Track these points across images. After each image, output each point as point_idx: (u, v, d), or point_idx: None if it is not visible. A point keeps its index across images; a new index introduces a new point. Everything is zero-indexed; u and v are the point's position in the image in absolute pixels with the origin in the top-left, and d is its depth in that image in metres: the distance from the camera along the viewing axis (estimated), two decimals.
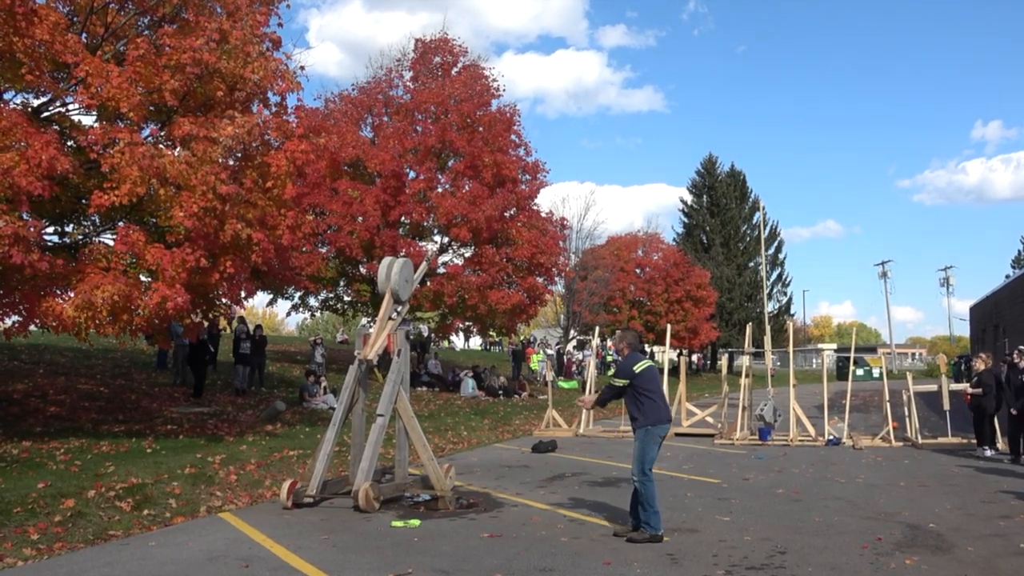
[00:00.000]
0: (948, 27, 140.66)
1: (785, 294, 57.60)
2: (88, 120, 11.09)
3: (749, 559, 5.97)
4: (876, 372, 40.66)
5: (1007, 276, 41.56)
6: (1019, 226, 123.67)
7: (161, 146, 10.38)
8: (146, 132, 10.94)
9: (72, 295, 9.38)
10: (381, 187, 21.60)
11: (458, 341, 48.26)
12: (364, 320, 25.84)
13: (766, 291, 27.51)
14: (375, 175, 22.27)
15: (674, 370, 22.11)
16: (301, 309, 25.32)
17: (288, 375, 21.33)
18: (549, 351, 33.79)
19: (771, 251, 56.00)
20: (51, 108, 10.78)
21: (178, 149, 10.19)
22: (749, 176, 59.87)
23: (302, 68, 12.19)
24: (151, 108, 10.53)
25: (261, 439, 11.80)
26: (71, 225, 11.81)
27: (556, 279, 28.09)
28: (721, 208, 54.94)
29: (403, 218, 22.31)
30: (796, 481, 9.94)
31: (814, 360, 61.28)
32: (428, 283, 22.11)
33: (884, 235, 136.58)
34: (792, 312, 59.84)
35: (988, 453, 12.51)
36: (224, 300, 12.06)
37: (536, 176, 24.90)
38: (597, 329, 21.66)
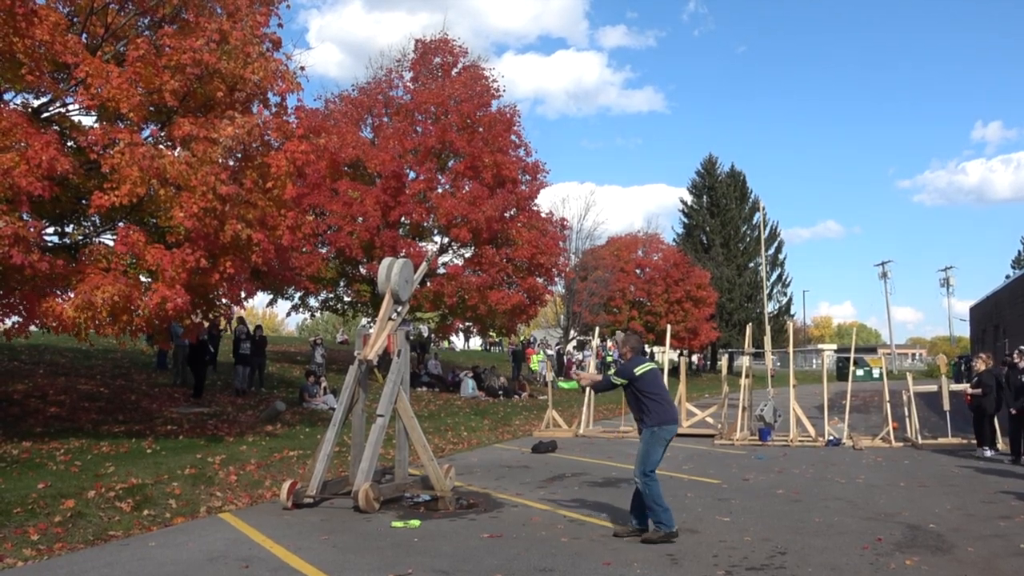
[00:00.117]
0: (947, 27, 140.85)
1: (785, 294, 57.70)
2: (88, 120, 11.10)
3: (749, 559, 5.97)
4: (876, 372, 40.66)
5: (1007, 276, 41.59)
6: (1019, 226, 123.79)
7: (161, 146, 10.38)
8: (146, 132, 10.95)
9: (72, 295, 9.38)
10: (381, 187, 21.61)
11: (458, 341, 48.27)
12: (364, 320, 25.84)
13: (766, 291, 27.50)
14: (375, 175, 22.28)
15: (674, 370, 22.10)
16: (301, 309, 25.34)
17: (288, 375, 21.33)
18: (549, 351, 33.80)
19: (771, 251, 56.03)
20: (51, 108, 10.79)
21: (178, 150, 10.19)
22: (749, 176, 59.98)
23: (302, 69, 12.20)
24: (151, 108, 10.53)
25: (261, 439, 11.80)
26: (71, 225, 11.81)
27: (556, 279, 28.11)
28: (721, 208, 54.96)
29: (403, 218, 22.32)
30: (796, 481, 9.94)
31: (814, 360, 61.26)
32: (428, 283, 22.12)
33: (884, 235, 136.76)
34: (792, 312, 59.92)
35: (988, 453, 12.51)
36: (224, 300, 12.06)
37: (536, 176, 24.92)
38: (597, 329, 21.65)
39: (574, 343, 39.68)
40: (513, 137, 24.32)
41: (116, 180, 9.33)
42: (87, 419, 11.77)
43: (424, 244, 23.57)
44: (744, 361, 15.64)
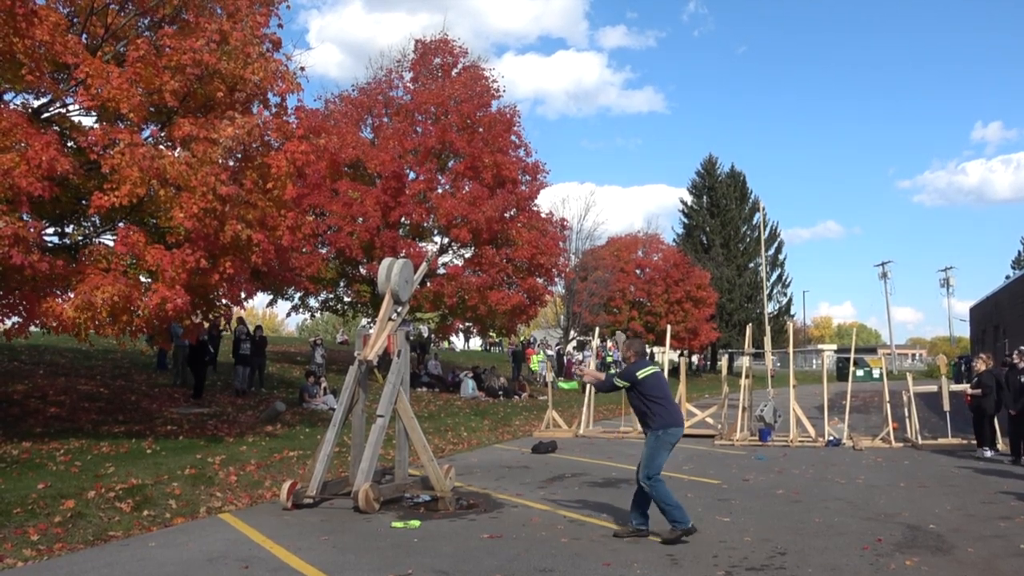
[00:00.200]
0: (947, 27, 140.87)
1: (785, 295, 57.69)
2: (88, 121, 11.11)
3: (749, 560, 5.97)
4: (876, 373, 40.64)
5: (1007, 277, 41.62)
6: (1019, 227, 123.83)
7: (161, 147, 10.38)
8: (146, 133, 10.96)
9: (72, 296, 9.38)
10: (381, 188, 21.61)
11: (458, 342, 48.23)
12: (364, 321, 25.84)
13: (766, 292, 27.50)
14: (375, 176, 22.28)
15: (674, 371, 22.12)
16: (301, 310, 25.34)
17: (288, 376, 21.33)
18: (549, 352, 33.79)
19: (771, 252, 56.03)
20: (51, 109, 10.79)
21: (178, 150, 10.19)
22: (749, 177, 59.98)
23: (302, 69, 12.20)
24: (151, 109, 10.54)
25: (261, 440, 11.80)
26: (71, 226, 11.81)
27: (556, 280, 28.12)
28: (721, 209, 54.97)
29: (403, 219, 22.33)
30: (796, 482, 9.94)
31: (814, 361, 61.24)
32: (428, 284, 22.12)
33: (884, 236, 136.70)
34: (792, 313, 59.92)
35: (988, 454, 12.51)
36: (224, 301, 12.06)
37: (536, 177, 24.92)
38: (597, 330, 21.65)
39: (574, 343, 39.67)
40: (513, 137, 24.33)
41: (116, 180, 9.33)
42: (87, 419, 11.77)
43: (424, 244, 23.57)
44: (744, 361, 15.64)
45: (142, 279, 10.36)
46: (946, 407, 14.36)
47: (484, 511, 7.82)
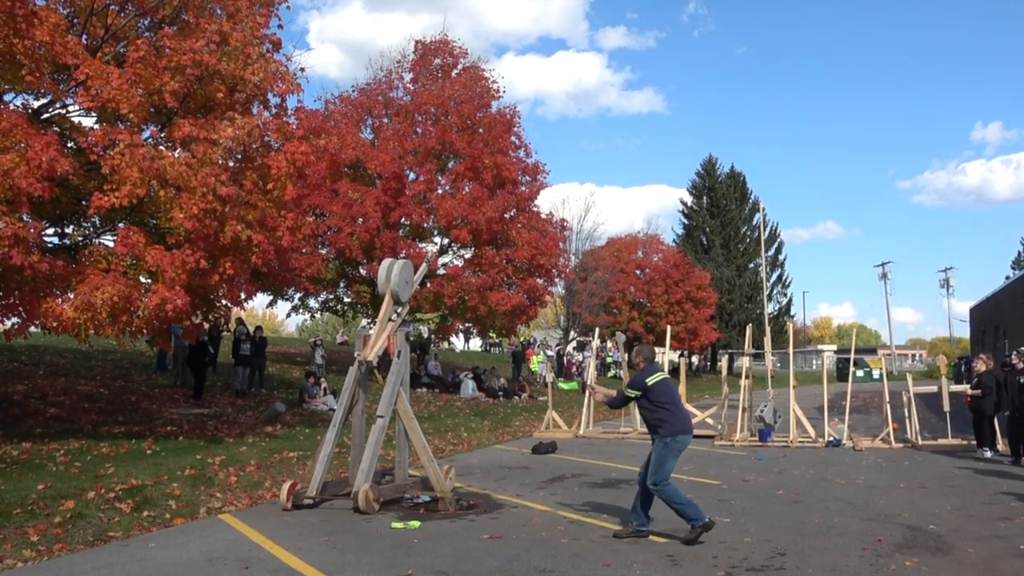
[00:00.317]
0: (947, 28, 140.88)
1: (785, 295, 57.66)
2: (88, 122, 11.11)
3: (749, 560, 5.97)
4: (876, 373, 40.61)
5: (1007, 277, 41.58)
6: (1019, 227, 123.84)
7: (161, 148, 10.38)
8: (146, 134, 10.96)
9: (72, 296, 9.38)
10: (381, 188, 21.61)
11: (458, 342, 48.22)
12: (364, 321, 25.84)
13: (766, 292, 27.52)
14: (375, 176, 22.28)
15: (674, 371, 22.10)
16: (301, 310, 25.32)
17: (288, 376, 21.33)
18: (549, 352, 33.78)
19: (771, 252, 56.03)
20: (51, 109, 10.79)
21: (178, 151, 10.19)
22: (749, 177, 59.94)
23: (302, 70, 12.21)
24: (151, 110, 10.54)
25: (261, 440, 11.80)
26: (71, 226, 11.81)
27: (556, 280, 28.10)
28: (721, 209, 54.96)
29: (403, 219, 22.32)
30: (796, 482, 9.94)
31: (814, 361, 61.22)
32: (428, 284, 22.12)
33: (884, 236, 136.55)
34: (792, 313, 59.92)
35: (988, 455, 12.51)
36: (224, 302, 12.06)
37: (536, 177, 24.92)
38: (597, 330, 21.64)
39: (574, 344, 39.68)
40: (513, 138, 24.33)
41: (116, 181, 9.33)
42: (87, 420, 11.77)
43: (424, 245, 23.56)
44: (744, 362, 15.63)
45: (142, 280, 10.36)
46: (946, 408, 14.36)
47: (484, 512, 7.83)
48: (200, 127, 9.92)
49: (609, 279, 38.27)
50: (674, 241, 53.93)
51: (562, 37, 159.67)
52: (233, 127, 10.01)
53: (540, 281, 24.76)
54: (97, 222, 11.46)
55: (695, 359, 48.16)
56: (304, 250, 19.97)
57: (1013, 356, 12.44)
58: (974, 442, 13.15)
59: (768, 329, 19.54)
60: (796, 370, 16.86)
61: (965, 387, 13.87)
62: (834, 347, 44.20)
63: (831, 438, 14.17)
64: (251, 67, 10.49)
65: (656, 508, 6.85)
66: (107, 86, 9.35)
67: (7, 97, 10.44)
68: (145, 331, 10.49)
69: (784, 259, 59.15)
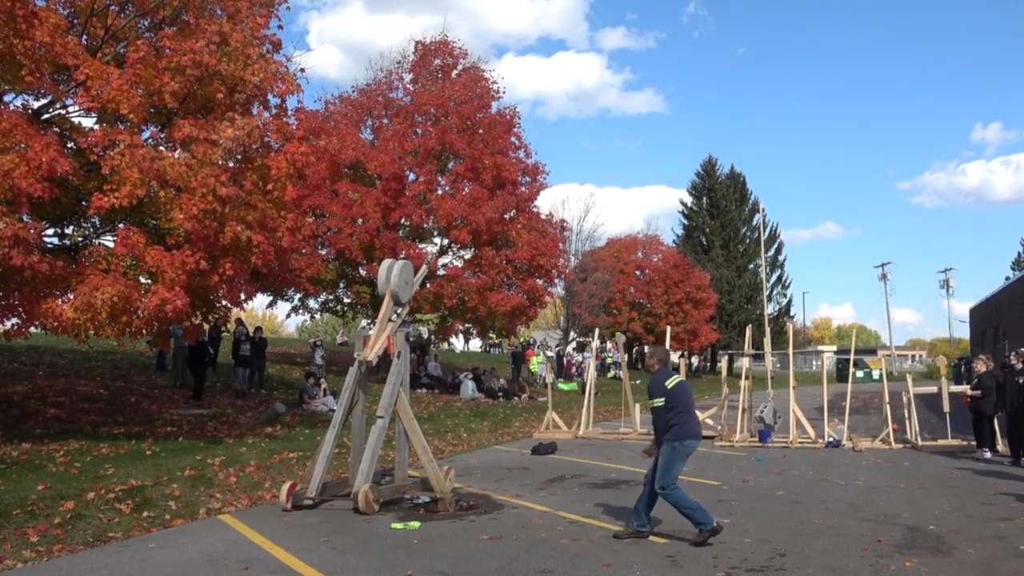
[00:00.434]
0: (947, 28, 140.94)
1: (785, 296, 57.69)
2: (88, 122, 11.10)
3: (749, 561, 5.97)
4: (876, 374, 40.62)
5: (1007, 278, 41.60)
6: (1019, 228, 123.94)
7: (161, 148, 10.39)
8: (146, 134, 10.96)
9: (72, 297, 9.39)
10: (381, 189, 21.61)
11: (458, 343, 48.14)
12: (364, 322, 25.83)
13: (766, 293, 27.53)
14: (375, 177, 22.28)
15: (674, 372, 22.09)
16: (301, 311, 25.32)
17: (288, 377, 21.33)
18: (549, 353, 33.78)
19: (771, 253, 56.03)
20: (51, 110, 10.79)
21: (178, 151, 10.19)
22: (749, 178, 59.99)
23: (302, 70, 12.21)
24: (151, 110, 10.54)
25: (261, 441, 11.80)
26: (71, 227, 11.81)
27: (556, 281, 28.12)
28: (721, 210, 54.98)
29: (403, 220, 22.32)
30: (796, 483, 9.94)
31: (814, 362, 61.21)
32: (428, 285, 22.12)
33: (884, 237, 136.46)
34: (792, 314, 59.94)
35: (988, 455, 12.51)
36: (224, 302, 12.06)
37: (536, 178, 24.93)
38: (597, 331, 21.64)
39: (574, 345, 39.68)
40: (513, 139, 24.34)
41: (116, 182, 9.33)
42: (87, 421, 11.77)
43: (424, 246, 23.57)
44: (744, 363, 15.63)
45: (142, 280, 10.36)
46: (946, 408, 14.36)
47: (484, 512, 7.83)
48: (200, 128, 9.92)
49: (609, 280, 38.28)
50: (674, 242, 53.97)
51: (562, 38, 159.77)
52: (233, 128, 10.01)
53: (540, 282, 24.77)
54: (97, 223, 11.46)
55: (695, 360, 48.15)
56: (304, 251, 19.97)
57: (1012, 357, 12.44)
58: (974, 443, 13.16)
59: (768, 330, 19.54)
60: (796, 371, 16.86)
61: (965, 388, 13.87)
62: (834, 348, 44.15)
63: (831, 439, 14.17)
64: (251, 68, 10.49)
65: (658, 509, 6.84)
66: (107, 86, 9.35)
67: (7, 97, 10.44)
68: (145, 332, 10.49)
69: (784, 260, 59.26)
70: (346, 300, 25.31)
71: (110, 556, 5.98)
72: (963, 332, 50.55)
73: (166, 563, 5.79)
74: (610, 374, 35.27)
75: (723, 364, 17.33)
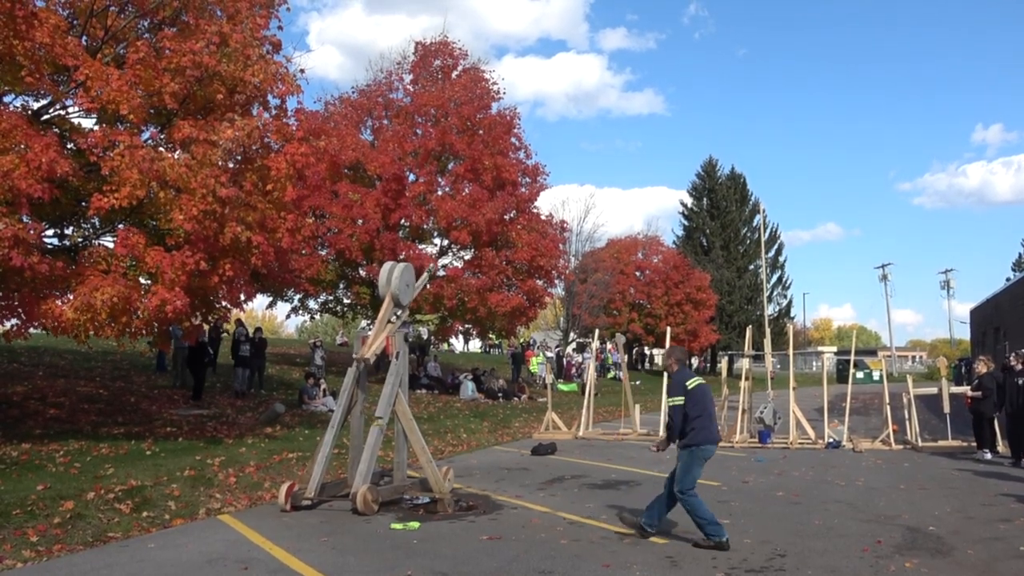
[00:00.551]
0: (948, 30, 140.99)
1: (785, 297, 57.62)
2: (88, 123, 11.10)
3: (749, 562, 5.97)
4: (876, 375, 40.62)
5: (1008, 279, 41.58)
6: (1019, 229, 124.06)
7: (161, 149, 10.39)
8: (146, 135, 10.96)
9: (72, 297, 9.39)
10: (381, 190, 21.61)
11: (457, 344, 48.13)
12: (364, 323, 25.83)
13: (766, 294, 27.55)
14: (375, 178, 22.28)
15: None
16: (301, 311, 25.31)
17: (287, 377, 21.32)
18: (549, 354, 33.78)
19: (771, 254, 56.00)
20: (51, 111, 10.80)
21: (178, 152, 10.20)
22: (749, 179, 59.98)
23: (302, 71, 12.20)
24: (151, 111, 10.54)
25: (260, 441, 11.80)
26: (71, 228, 11.81)
27: (556, 282, 28.10)
28: (721, 211, 54.96)
29: (403, 221, 22.32)
30: (796, 484, 9.94)
31: (814, 363, 61.14)
32: (428, 286, 22.10)
33: (884, 238, 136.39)
34: (792, 315, 59.89)
35: (988, 456, 12.51)
36: (224, 303, 12.06)
37: (536, 179, 24.93)
38: (597, 332, 21.64)
39: (574, 345, 39.67)
40: (513, 139, 24.34)
41: (116, 182, 9.33)
42: (86, 421, 11.77)
43: (424, 246, 23.57)
44: (744, 363, 15.64)
45: (142, 281, 10.36)
46: (946, 409, 14.36)
47: (484, 513, 7.83)
48: (200, 128, 9.92)
49: (609, 280, 38.28)
50: (674, 243, 53.94)
51: (562, 38, 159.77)
52: (233, 128, 10.01)
53: (540, 282, 24.76)
54: (97, 223, 11.46)
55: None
56: (304, 251, 19.97)
57: (1012, 358, 12.44)
58: (974, 444, 13.15)
59: (768, 331, 19.54)
60: (796, 372, 16.85)
61: (965, 389, 13.87)
62: (834, 349, 44.17)
63: (831, 440, 14.17)
64: (251, 68, 10.48)
65: (671, 513, 6.80)
66: (107, 87, 9.35)
67: (7, 98, 10.44)
68: (145, 332, 10.49)
69: (784, 261, 59.18)
70: (346, 301, 25.31)
71: (110, 556, 5.98)
72: (963, 333, 50.53)
73: (165, 563, 5.79)
74: (610, 375, 35.26)
75: (723, 365, 17.33)
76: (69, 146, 10.36)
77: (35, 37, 9.09)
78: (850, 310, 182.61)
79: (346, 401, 8.37)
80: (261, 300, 25.71)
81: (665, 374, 7.35)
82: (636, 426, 16.21)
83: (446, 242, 24.06)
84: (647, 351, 50.55)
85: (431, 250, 23.80)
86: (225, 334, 19.50)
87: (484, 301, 22.25)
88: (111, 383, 15.63)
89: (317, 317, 30.74)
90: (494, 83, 24.38)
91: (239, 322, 17.77)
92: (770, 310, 52.47)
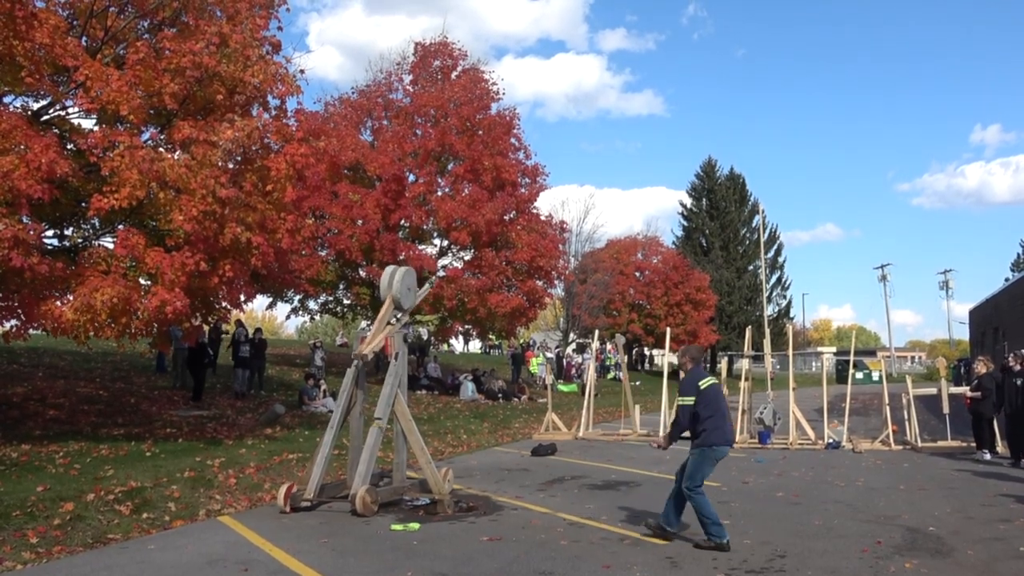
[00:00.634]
0: (947, 30, 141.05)
1: (784, 297, 57.60)
2: (88, 123, 11.10)
3: (749, 562, 5.97)
4: (876, 375, 40.63)
5: (1006, 279, 41.61)
6: (1018, 229, 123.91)
7: (161, 149, 10.38)
8: (146, 135, 10.95)
9: (71, 298, 9.38)
10: (381, 190, 21.61)
11: (457, 344, 48.14)
12: (363, 323, 25.82)
13: (765, 294, 27.54)
14: (375, 178, 22.29)
15: (674, 373, 22.09)
16: (300, 312, 25.30)
17: (287, 378, 21.32)
18: (548, 354, 33.76)
19: (770, 254, 55.99)
20: (51, 111, 10.80)
21: (178, 153, 10.20)
22: (749, 179, 59.91)
23: (302, 72, 12.20)
24: (151, 111, 10.54)
25: (260, 442, 11.79)
26: (71, 228, 11.81)
27: (555, 282, 28.09)
28: (721, 211, 54.96)
29: (403, 221, 22.32)
30: (796, 484, 9.94)
31: (814, 363, 61.15)
32: (428, 287, 22.11)
33: (884, 238, 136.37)
34: (791, 315, 59.83)
35: (987, 456, 12.51)
36: (224, 304, 12.05)
37: (536, 179, 24.93)
38: (596, 332, 21.64)
39: (573, 346, 39.66)
40: (513, 140, 24.34)
41: (116, 183, 9.33)
42: (86, 422, 11.76)
43: (424, 247, 23.57)
44: (744, 364, 15.64)
45: (142, 282, 10.35)
46: (945, 410, 14.37)
47: (484, 514, 7.82)
48: (200, 129, 9.92)
49: (608, 281, 38.28)
50: (673, 243, 53.92)
51: (561, 39, 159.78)
52: (233, 129, 10.01)
53: (540, 283, 24.76)
54: (97, 224, 11.46)
55: None
56: (304, 252, 19.97)
57: (1011, 358, 12.44)
58: (973, 444, 13.16)
59: (767, 331, 19.54)
60: (795, 372, 16.86)
61: (965, 389, 13.88)
62: (834, 349, 44.23)
63: (831, 440, 14.17)
64: (251, 69, 10.49)
65: (685, 515, 6.80)
66: (107, 88, 9.35)
67: (7, 99, 10.43)
68: (144, 333, 10.49)
69: (783, 261, 59.15)
70: (346, 301, 25.30)
71: (109, 558, 5.98)
72: (962, 333, 50.56)
73: (165, 564, 5.78)
74: (610, 375, 35.25)
75: (723, 365, 17.33)
76: (69, 147, 10.36)
77: (35, 38, 9.09)
78: (849, 310, 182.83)
79: (345, 402, 8.37)
80: (261, 301, 25.71)
81: (680, 373, 7.30)
82: (636, 427, 16.21)
83: (446, 243, 24.06)
84: (647, 352, 50.54)
85: (431, 251, 23.79)
86: (225, 335, 19.50)
87: (484, 302, 22.24)
88: (111, 384, 15.63)
89: (317, 318, 30.73)
90: (493, 84, 24.39)
91: (239, 323, 17.76)
92: (769, 311, 52.49)
